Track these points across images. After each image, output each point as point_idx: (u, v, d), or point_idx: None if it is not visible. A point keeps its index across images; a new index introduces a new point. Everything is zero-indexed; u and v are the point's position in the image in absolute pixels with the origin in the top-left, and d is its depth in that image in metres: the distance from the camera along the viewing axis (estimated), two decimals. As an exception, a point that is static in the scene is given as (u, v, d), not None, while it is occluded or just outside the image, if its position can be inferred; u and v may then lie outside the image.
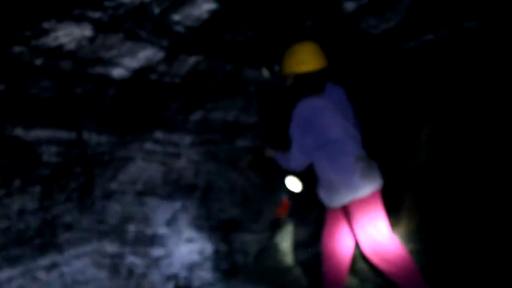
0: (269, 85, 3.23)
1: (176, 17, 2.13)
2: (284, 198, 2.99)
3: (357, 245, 2.66)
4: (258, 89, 3.18)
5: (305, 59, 2.54)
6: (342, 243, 2.60)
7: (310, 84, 2.53)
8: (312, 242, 3.92)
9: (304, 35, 2.80)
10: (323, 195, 2.53)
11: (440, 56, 3.39)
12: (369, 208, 2.43)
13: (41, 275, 2.36)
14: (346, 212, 2.53)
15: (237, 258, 3.41)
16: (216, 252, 3.28)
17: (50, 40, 1.90)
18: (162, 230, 2.95)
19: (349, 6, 2.62)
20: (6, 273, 2.21)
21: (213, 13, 2.18)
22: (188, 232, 3.12)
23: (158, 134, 2.78)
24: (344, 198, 2.43)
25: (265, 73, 3.00)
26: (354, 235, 2.58)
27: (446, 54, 3.37)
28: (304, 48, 2.58)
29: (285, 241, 3.74)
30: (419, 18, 2.86)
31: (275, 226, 3.02)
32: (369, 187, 2.41)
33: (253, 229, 3.51)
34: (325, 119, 2.46)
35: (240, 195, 3.41)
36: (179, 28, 2.21)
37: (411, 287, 2.44)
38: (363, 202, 2.42)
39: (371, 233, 2.43)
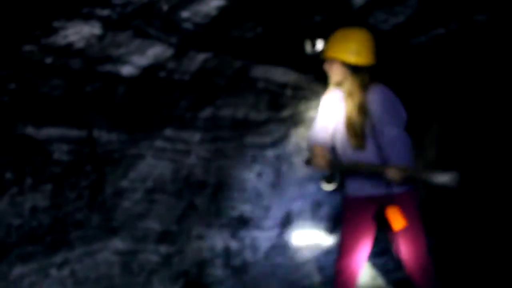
0: (279, 82, 3.23)
1: (184, 14, 2.13)
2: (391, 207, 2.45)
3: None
4: (267, 86, 3.17)
5: (361, 50, 2.39)
6: (365, 237, 2.54)
7: (366, 78, 2.43)
8: (322, 239, 3.92)
9: (313, 31, 2.79)
10: (378, 181, 2.46)
11: (450, 51, 3.36)
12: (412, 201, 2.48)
13: (53, 272, 2.38)
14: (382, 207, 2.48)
15: (247, 255, 3.42)
16: (227, 249, 3.29)
17: (59, 39, 1.91)
18: (172, 227, 2.96)
19: (358, 1, 2.60)
20: (19, 270, 2.23)
21: (221, 10, 2.17)
22: (199, 229, 3.12)
23: (168, 132, 2.79)
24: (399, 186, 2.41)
25: (308, 47, 2.84)
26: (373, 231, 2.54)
27: (456, 48, 3.33)
28: (362, 37, 2.42)
29: (295, 237, 3.73)
30: (429, 12, 2.84)
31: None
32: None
33: (263, 226, 3.51)
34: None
35: (250, 191, 3.41)
36: (187, 25, 2.21)
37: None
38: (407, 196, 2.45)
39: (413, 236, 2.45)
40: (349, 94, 2.46)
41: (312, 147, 2.56)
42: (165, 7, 2.04)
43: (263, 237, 3.51)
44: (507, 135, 3.80)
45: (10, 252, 2.19)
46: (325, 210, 3.90)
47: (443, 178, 2.25)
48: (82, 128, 2.37)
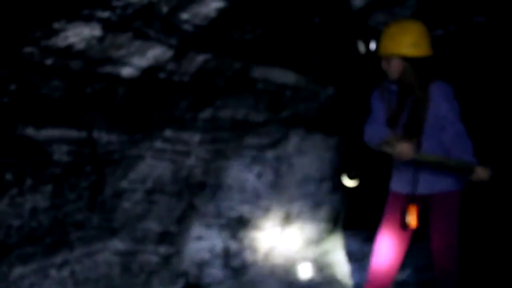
0: (278, 83, 3.23)
1: (184, 15, 2.14)
2: (411, 206, 2.44)
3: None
4: (267, 87, 3.18)
5: (419, 42, 2.29)
6: (399, 238, 2.51)
7: (429, 71, 2.34)
8: (321, 239, 3.92)
9: (313, 32, 2.79)
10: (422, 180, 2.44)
11: (449, 52, 3.37)
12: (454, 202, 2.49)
13: (53, 272, 2.38)
14: (428, 203, 2.48)
15: (247, 255, 3.42)
16: (226, 250, 3.29)
17: (60, 40, 1.91)
18: (172, 228, 2.97)
19: (358, 2, 2.61)
20: (19, 270, 2.23)
21: (221, 11, 2.18)
22: (198, 230, 3.13)
23: (168, 133, 2.79)
24: (453, 183, 2.44)
25: (361, 47, 2.79)
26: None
27: (455, 50, 3.34)
28: (418, 28, 2.32)
29: (295, 238, 3.74)
30: (428, 13, 2.85)
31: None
32: (461, 183, 2.48)
33: (263, 227, 3.51)
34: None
35: (249, 192, 3.42)
36: (187, 27, 2.22)
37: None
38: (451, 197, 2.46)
39: (447, 232, 2.46)
40: (410, 89, 2.38)
41: (386, 138, 2.37)
42: (165, 9, 2.04)
43: (263, 238, 3.52)
44: (506, 135, 3.81)
45: (10, 252, 2.20)
46: (324, 210, 3.91)
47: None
48: (82, 129, 2.38)
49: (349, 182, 2.54)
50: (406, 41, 2.28)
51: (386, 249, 2.48)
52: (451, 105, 2.36)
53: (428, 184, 2.42)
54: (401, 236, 2.47)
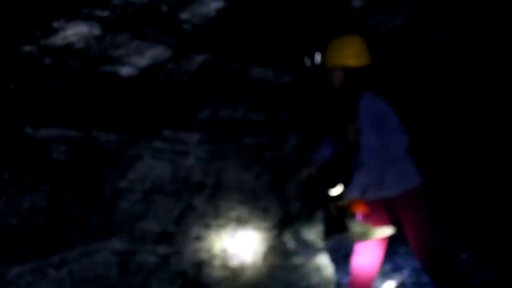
0: (277, 83, 3.23)
1: (184, 15, 2.14)
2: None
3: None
4: (266, 87, 3.17)
5: (358, 53, 2.46)
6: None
7: (366, 80, 2.46)
8: (320, 241, 3.92)
9: (312, 33, 2.79)
10: (372, 187, 2.48)
11: (448, 53, 3.37)
12: (418, 200, 2.48)
13: (51, 272, 2.38)
14: (391, 205, 2.52)
15: (245, 256, 3.42)
16: (225, 250, 3.29)
17: (59, 39, 1.91)
18: (170, 228, 2.96)
19: (357, 3, 2.61)
20: (17, 270, 2.22)
21: (220, 11, 2.18)
22: (196, 230, 3.12)
23: (167, 132, 2.79)
24: (400, 187, 2.44)
25: (307, 62, 2.91)
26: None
27: (454, 51, 3.34)
28: (354, 40, 2.50)
29: (293, 239, 3.73)
30: (427, 15, 2.85)
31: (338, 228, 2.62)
32: (419, 178, 2.47)
33: (261, 227, 3.50)
34: (391, 114, 2.46)
35: (248, 193, 3.41)
36: (186, 27, 2.22)
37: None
38: (414, 192, 2.46)
39: (419, 225, 2.47)
40: (346, 100, 2.50)
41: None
42: (164, 9, 2.04)
43: (261, 238, 3.51)
44: (505, 134, 3.81)
45: (7, 252, 2.19)
46: (323, 212, 3.90)
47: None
48: (81, 128, 2.37)
49: (333, 191, 2.59)
50: (346, 53, 2.45)
51: (365, 250, 2.55)
52: (366, 117, 2.40)
53: (394, 186, 2.46)
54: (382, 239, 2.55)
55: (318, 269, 3.74)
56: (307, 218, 3.81)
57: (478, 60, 3.47)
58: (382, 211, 2.58)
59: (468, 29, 2.99)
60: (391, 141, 2.43)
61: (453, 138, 4.13)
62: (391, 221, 2.57)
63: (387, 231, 2.45)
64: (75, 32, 1.90)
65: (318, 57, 2.80)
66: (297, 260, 3.68)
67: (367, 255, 2.58)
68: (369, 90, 2.44)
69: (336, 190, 2.62)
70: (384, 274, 3.70)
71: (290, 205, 3.68)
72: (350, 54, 2.46)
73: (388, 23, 2.91)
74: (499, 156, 3.86)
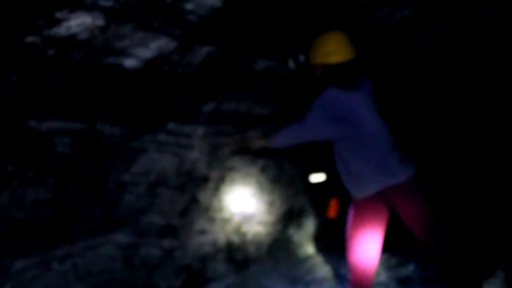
0: (282, 76, 3.20)
1: (189, 6, 2.11)
2: (333, 199, 2.86)
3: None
4: (271, 80, 3.15)
5: (334, 50, 2.48)
6: (371, 234, 2.56)
7: (341, 76, 2.49)
8: (324, 235, 3.91)
9: (318, 25, 2.77)
10: (356, 185, 2.50)
11: (455, 45, 3.34)
12: (410, 193, 2.46)
13: (55, 265, 2.37)
14: (386, 201, 2.52)
15: (249, 250, 3.41)
16: (229, 244, 3.28)
17: (62, 30, 1.89)
18: (175, 221, 2.95)
19: (364, -6, 2.58)
20: (21, 263, 2.22)
21: (226, 2, 2.15)
22: (201, 224, 3.11)
23: (171, 125, 2.77)
24: (382, 183, 2.42)
25: (291, 63, 2.96)
26: (382, 226, 2.57)
27: (463, 43, 3.31)
28: (332, 38, 2.51)
29: (298, 233, 3.72)
30: (434, 6, 2.81)
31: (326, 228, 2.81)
32: (407, 172, 2.44)
33: (266, 221, 3.49)
34: (358, 112, 2.44)
35: (253, 186, 3.40)
36: (192, 17, 2.19)
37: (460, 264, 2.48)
38: (402, 187, 2.44)
39: (419, 215, 2.46)
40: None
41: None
42: (169, -1, 2.02)
43: (266, 232, 3.50)
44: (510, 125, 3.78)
45: (12, 245, 2.18)
46: (327, 206, 3.89)
47: None
48: (85, 121, 2.36)
49: (315, 178, 2.66)
50: (321, 51, 2.50)
51: (364, 243, 2.55)
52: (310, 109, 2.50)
53: (400, 172, 2.46)
54: (375, 230, 2.54)
55: (322, 263, 3.73)
56: (311, 212, 3.80)
57: (486, 53, 3.43)
58: (381, 206, 2.55)
59: (476, 21, 2.96)
60: (356, 135, 2.44)
61: (460, 131, 4.10)
62: (389, 215, 2.57)
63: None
64: (78, 22, 1.88)
65: (302, 57, 2.84)
66: (301, 254, 3.67)
67: (365, 249, 2.57)
68: (332, 86, 2.45)
69: (318, 177, 2.68)
70: (390, 268, 3.68)
71: (294, 199, 3.67)
72: (327, 51, 2.49)
73: (394, 15, 2.88)
74: (508, 153, 3.83)
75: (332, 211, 2.72)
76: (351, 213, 2.58)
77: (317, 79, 2.58)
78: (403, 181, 2.43)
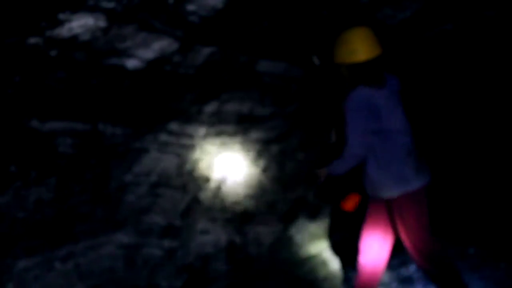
0: (284, 77, 3.20)
1: (191, 7, 2.12)
2: (354, 193, 2.78)
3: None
4: (273, 81, 3.15)
5: (358, 49, 2.39)
6: (382, 236, 2.54)
7: (369, 74, 2.40)
8: (326, 235, 3.91)
9: (320, 26, 2.77)
10: (371, 186, 2.46)
11: (457, 45, 3.34)
12: (417, 203, 2.38)
13: (57, 265, 2.38)
14: (390, 206, 2.47)
15: (251, 249, 3.41)
16: (231, 244, 3.28)
17: (64, 31, 1.89)
18: (176, 221, 2.96)
19: (366, -5, 2.58)
20: (23, 263, 2.23)
21: (228, 3, 2.15)
22: (203, 224, 3.12)
23: (173, 126, 2.78)
24: (394, 190, 2.36)
25: (315, 60, 2.88)
26: (395, 230, 2.54)
27: (465, 44, 3.31)
28: (357, 34, 2.41)
29: (300, 233, 3.72)
30: (437, 7, 2.81)
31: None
32: (421, 181, 2.37)
33: (267, 221, 3.50)
34: (382, 111, 2.37)
35: (255, 187, 3.40)
36: (193, 18, 2.19)
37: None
38: (412, 196, 2.37)
39: (416, 229, 2.40)
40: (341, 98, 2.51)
41: None
42: (171, 0, 2.02)
43: (267, 232, 3.51)
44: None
45: (14, 245, 2.19)
46: (329, 206, 3.89)
47: None
48: (87, 121, 2.37)
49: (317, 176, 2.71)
50: (345, 50, 2.40)
51: (373, 248, 2.53)
52: (345, 114, 2.43)
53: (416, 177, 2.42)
54: (386, 233, 2.51)
55: (324, 263, 3.73)
56: (313, 212, 3.80)
57: (488, 54, 3.43)
58: (383, 212, 2.53)
59: (478, 22, 2.95)
60: (383, 139, 2.38)
61: (464, 132, 4.10)
62: (391, 222, 2.54)
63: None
64: (80, 24, 1.89)
65: (316, 60, 2.79)
66: (304, 254, 3.67)
67: (375, 252, 2.56)
68: (361, 85, 2.38)
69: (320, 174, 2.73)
70: (391, 268, 3.69)
71: (296, 199, 3.67)
72: (353, 49, 2.39)
73: (396, 16, 2.88)
74: (509, 153, 3.82)
75: (351, 204, 2.71)
76: (368, 215, 2.56)
77: (343, 78, 2.49)
78: (415, 189, 2.36)
